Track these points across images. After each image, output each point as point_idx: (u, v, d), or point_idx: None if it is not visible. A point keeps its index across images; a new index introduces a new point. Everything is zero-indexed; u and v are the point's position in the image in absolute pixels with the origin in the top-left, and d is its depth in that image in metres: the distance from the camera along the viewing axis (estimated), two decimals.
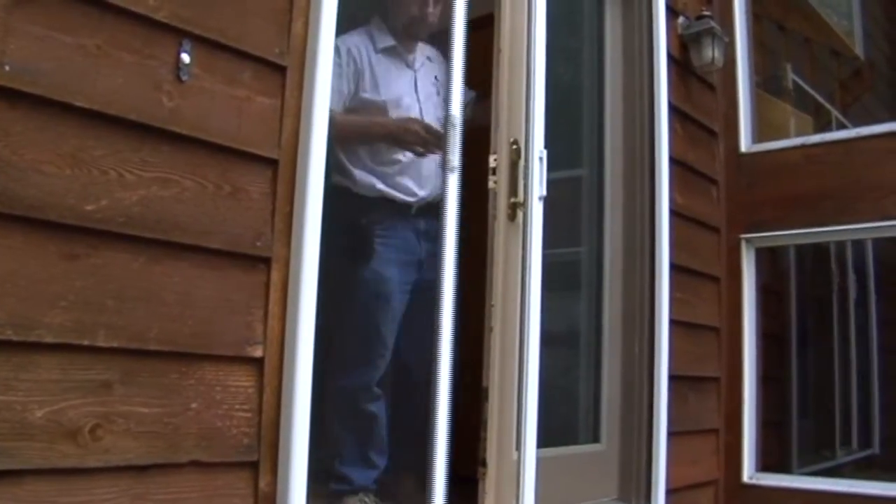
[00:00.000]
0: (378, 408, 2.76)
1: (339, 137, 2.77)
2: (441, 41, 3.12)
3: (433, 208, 2.89)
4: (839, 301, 5.14)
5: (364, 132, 2.85)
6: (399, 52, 2.95)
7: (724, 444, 3.71)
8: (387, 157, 2.85)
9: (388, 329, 2.77)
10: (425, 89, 2.98)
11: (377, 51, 2.88)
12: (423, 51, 3.04)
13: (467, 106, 3.13)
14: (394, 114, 2.86)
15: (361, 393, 2.73)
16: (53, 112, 1.59)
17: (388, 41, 2.92)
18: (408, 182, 2.85)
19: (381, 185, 2.80)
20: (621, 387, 3.17)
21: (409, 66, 2.97)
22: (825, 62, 5.72)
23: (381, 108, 2.84)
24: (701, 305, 3.61)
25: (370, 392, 2.74)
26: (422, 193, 2.86)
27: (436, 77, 3.04)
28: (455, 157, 2.46)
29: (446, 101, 2.47)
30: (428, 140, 2.74)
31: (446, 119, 2.46)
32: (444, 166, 2.46)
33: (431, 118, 2.94)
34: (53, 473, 1.56)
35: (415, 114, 2.91)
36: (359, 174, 2.79)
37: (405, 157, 2.86)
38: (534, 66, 2.60)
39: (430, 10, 2.94)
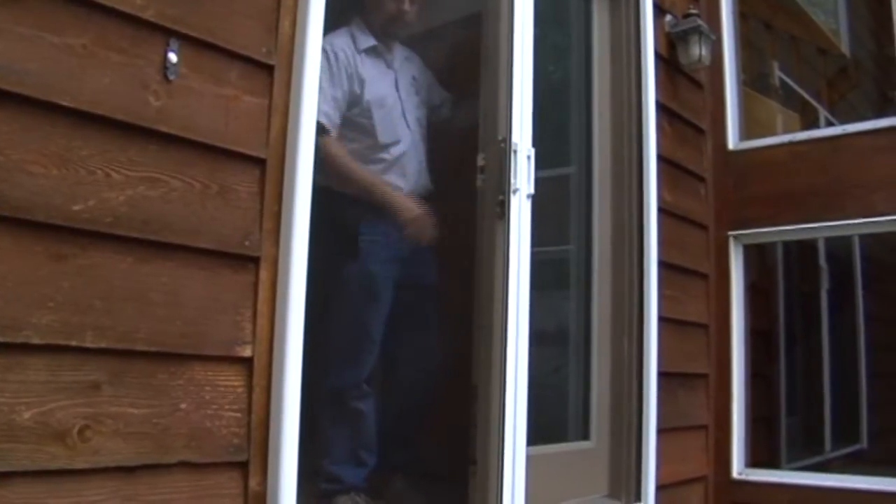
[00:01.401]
0: (367, 406, 2.76)
1: (339, 180, 2.78)
2: (419, 42, 3.14)
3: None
4: (827, 297, 5.17)
5: (367, 188, 2.82)
6: (380, 52, 2.96)
7: (714, 440, 3.72)
8: (372, 157, 2.86)
9: (375, 326, 2.78)
10: (406, 89, 3.00)
11: (359, 51, 2.89)
12: (400, 51, 3.06)
13: (442, 106, 3.15)
14: (377, 114, 2.86)
15: (350, 391, 2.73)
16: (40, 112, 1.59)
17: (370, 41, 2.93)
18: (392, 178, 2.86)
19: None
20: (610, 384, 3.17)
21: (390, 66, 2.99)
22: (812, 60, 5.74)
23: (364, 109, 2.84)
24: (689, 302, 3.62)
25: (359, 390, 2.74)
26: (406, 189, 2.87)
27: (413, 77, 3.06)
28: (517, 181, 2.52)
29: (508, 128, 2.53)
30: (421, 233, 2.76)
31: (508, 145, 2.50)
32: (507, 190, 2.51)
33: (412, 117, 2.96)
34: (42, 475, 1.55)
35: (398, 113, 2.92)
36: None
37: (389, 154, 2.87)
38: (521, 65, 2.61)
39: (407, 7, 2.96)
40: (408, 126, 2.93)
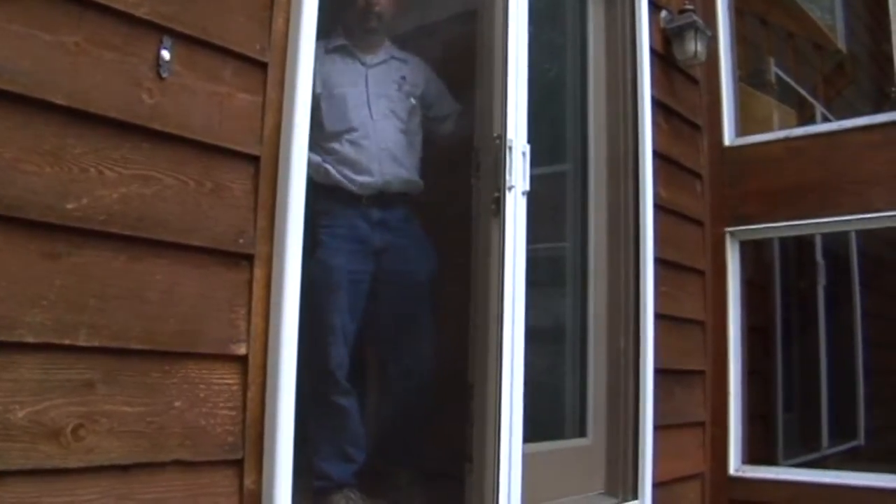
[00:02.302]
0: (349, 402, 2.75)
1: None
2: (413, 39, 3.13)
3: (388, 197, 2.89)
4: (823, 294, 5.17)
5: None
6: (350, 51, 3.00)
7: (710, 437, 3.72)
8: (326, 145, 2.85)
9: (341, 319, 2.76)
10: (381, 84, 2.99)
11: (326, 51, 2.91)
12: (389, 51, 3.08)
13: (448, 118, 3.13)
14: (325, 104, 2.86)
15: (328, 386, 2.71)
16: (33, 110, 1.58)
17: (339, 41, 2.98)
18: (345, 169, 2.85)
19: (327, 167, 2.82)
20: (607, 381, 3.17)
21: (363, 63, 3.00)
22: (808, 56, 5.74)
23: (314, 100, 2.84)
24: (686, 299, 3.62)
25: (338, 385, 2.73)
26: (360, 180, 2.85)
27: (403, 77, 3.05)
28: (512, 178, 2.51)
29: (503, 125, 2.52)
30: None
31: (503, 142, 2.50)
32: (502, 187, 2.50)
33: (382, 109, 2.95)
34: (36, 474, 1.55)
35: (357, 103, 2.92)
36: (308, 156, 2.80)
37: (342, 143, 2.86)
38: (516, 62, 2.60)
39: None
40: (371, 117, 2.92)
